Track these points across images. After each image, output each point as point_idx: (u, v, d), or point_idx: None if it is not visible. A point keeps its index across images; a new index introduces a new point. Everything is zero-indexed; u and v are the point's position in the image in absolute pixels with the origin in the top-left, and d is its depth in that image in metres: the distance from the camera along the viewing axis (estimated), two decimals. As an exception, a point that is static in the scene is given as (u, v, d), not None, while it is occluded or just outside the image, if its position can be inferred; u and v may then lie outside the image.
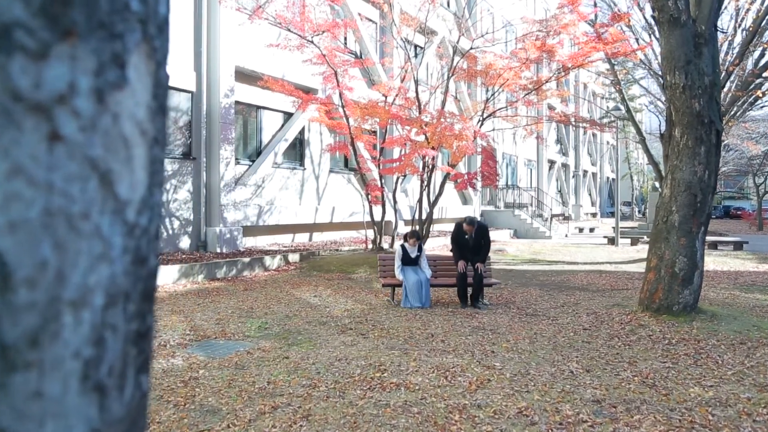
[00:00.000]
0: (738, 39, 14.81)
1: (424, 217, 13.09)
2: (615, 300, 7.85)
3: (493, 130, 17.52)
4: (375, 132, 15.00)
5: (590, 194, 41.32)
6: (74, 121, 0.39)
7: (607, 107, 27.29)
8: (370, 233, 14.25)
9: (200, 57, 11.45)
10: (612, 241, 18.09)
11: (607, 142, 43.60)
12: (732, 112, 15.27)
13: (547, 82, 13.62)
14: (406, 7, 15.81)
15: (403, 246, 7.62)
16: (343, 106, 12.31)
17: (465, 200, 22.45)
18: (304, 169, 14.56)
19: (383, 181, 13.51)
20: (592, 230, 26.23)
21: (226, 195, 11.76)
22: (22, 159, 0.36)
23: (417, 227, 12.59)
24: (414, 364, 4.61)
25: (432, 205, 13.03)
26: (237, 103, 12.37)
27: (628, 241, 18.60)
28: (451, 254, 7.81)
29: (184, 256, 10.54)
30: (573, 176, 36.61)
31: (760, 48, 14.01)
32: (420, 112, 12.74)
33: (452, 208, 20.80)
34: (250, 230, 12.90)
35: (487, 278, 7.58)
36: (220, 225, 11.64)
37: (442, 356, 4.90)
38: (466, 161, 21.09)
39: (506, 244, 16.97)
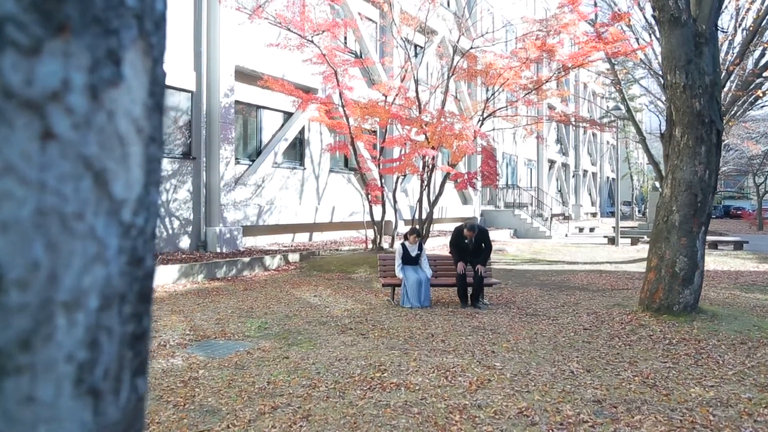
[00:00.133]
0: (738, 38, 14.82)
1: (424, 216, 13.09)
2: (615, 300, 7.84)
3: (493, 129, 17.52)
4: (375, 132, 14.99)
5: (590, 194, 41.32)
6: (68, 119, 0.38)
7: (607, 107, 27.29)
8: (370, 233, 14.24)
9: (200, 56, 11.45)
10: (612, 240, 18.09)
11: (607, 142, 43.61)
12: (732, 112, 15.27)
13: (547, 81, 13.62)
14: (406, 6, 15.80)
15: (403, 245, 7.60)
16: (343, 106, 12.31)
17: (465, 200, 22.44)
18: (304, 168, 14.55)
19: (383, 180, 13.50)
20: (592, 230, 26.23)
21: (226, 195, 11.75)
22: (13, 157, 0.35)
23: (417, 227, 12.58)
24: (414, 364, 4.61)
25: (432, 205, 13.03)
26: (237, 102, 12.36)
27: (628, 240, 18.59)
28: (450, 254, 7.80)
29: (183, 255, 10.53)
30: (573, 176, 36.61)
31: (761, 47, 14.01)
32: (420, 112, 12.74)
33: (452, 207, 20.79)
34: (250, 230, 12.90)
35: (487, 278, 7.57)
36: (220, 225, 11.63)
37: (442, 356, 4.89)
38: (466, 161, 21.08)
39: (506, 243, 16.97)
